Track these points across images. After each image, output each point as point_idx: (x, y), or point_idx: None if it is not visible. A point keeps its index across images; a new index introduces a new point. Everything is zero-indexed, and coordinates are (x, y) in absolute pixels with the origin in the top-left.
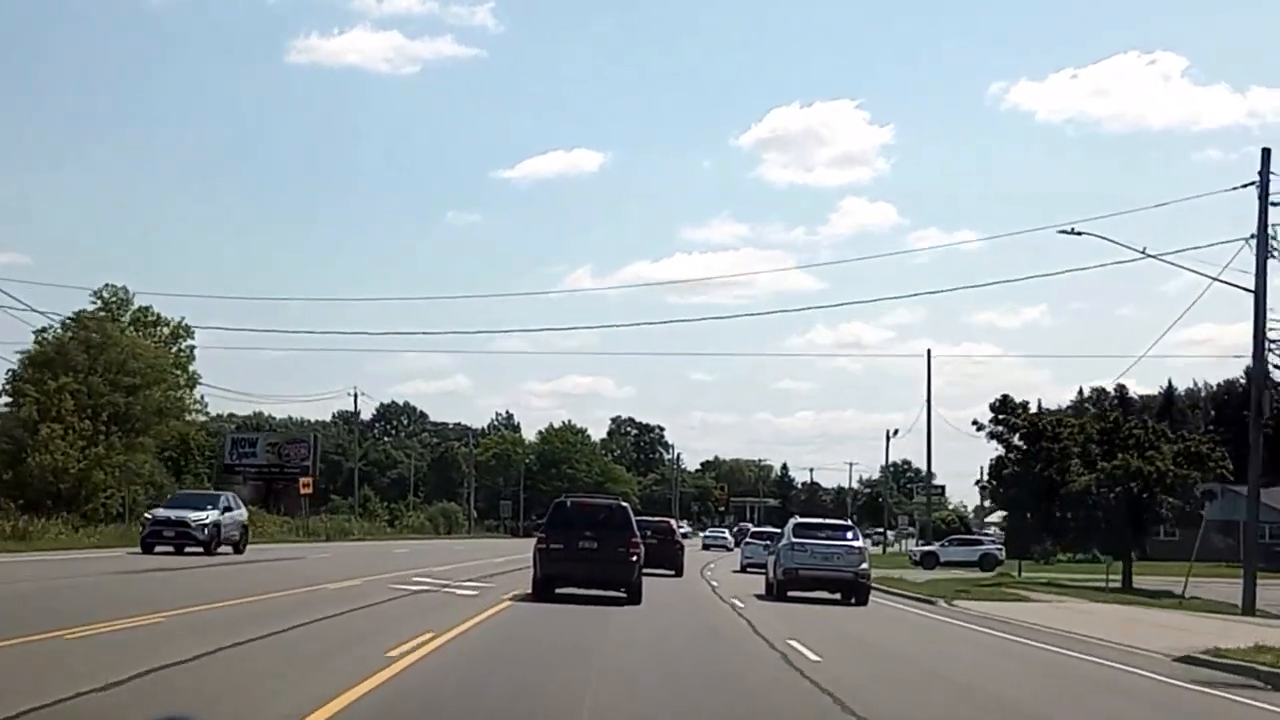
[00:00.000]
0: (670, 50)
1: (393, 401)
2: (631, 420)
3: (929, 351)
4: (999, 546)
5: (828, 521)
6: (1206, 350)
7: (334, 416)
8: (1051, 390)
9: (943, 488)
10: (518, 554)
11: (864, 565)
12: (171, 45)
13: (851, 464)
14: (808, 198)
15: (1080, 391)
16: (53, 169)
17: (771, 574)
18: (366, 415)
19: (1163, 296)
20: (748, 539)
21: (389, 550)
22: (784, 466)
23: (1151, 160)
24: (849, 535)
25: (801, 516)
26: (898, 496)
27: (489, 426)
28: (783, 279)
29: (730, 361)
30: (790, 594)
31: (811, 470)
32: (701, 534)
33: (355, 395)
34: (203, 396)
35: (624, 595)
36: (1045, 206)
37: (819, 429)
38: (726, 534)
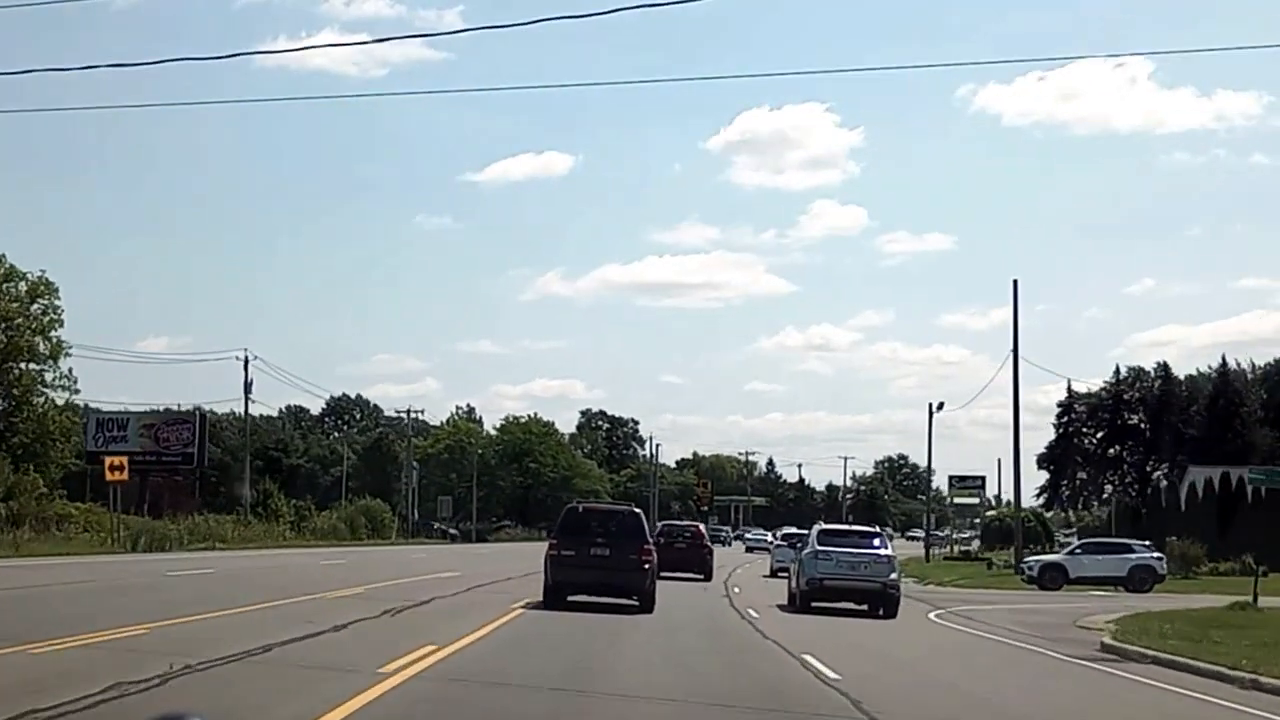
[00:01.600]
0: (640, 53)
1: (343, 394)
2: (603, 414)
3: (1015, 282)
4: (1158, 557)
5: (854, 528)
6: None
7: (282, 412)
8: (1023, 391)
9: (982, 479)
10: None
11: (893, 575)
12: (137, 49)
13: (846, 458)
14: (777, 200)
15: (1116, 370)
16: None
17: (794, 583)
18: (315, 409)
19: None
20: (778, 543)
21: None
22: (770, 462)
23: (1118, 163)
24: (876, 543)
25: (826, 522)
26: (894, 494)
27: (447, 421)
28: (754, 281)
29: (701, 363)
30: (814, 605)
31: (800, 465)
32: (745, 537)
33: (245, 360)
34: (71, 370)
35: (636, 603)
36: (1014, 209)
37: (789, 429)
38: (769, 536)
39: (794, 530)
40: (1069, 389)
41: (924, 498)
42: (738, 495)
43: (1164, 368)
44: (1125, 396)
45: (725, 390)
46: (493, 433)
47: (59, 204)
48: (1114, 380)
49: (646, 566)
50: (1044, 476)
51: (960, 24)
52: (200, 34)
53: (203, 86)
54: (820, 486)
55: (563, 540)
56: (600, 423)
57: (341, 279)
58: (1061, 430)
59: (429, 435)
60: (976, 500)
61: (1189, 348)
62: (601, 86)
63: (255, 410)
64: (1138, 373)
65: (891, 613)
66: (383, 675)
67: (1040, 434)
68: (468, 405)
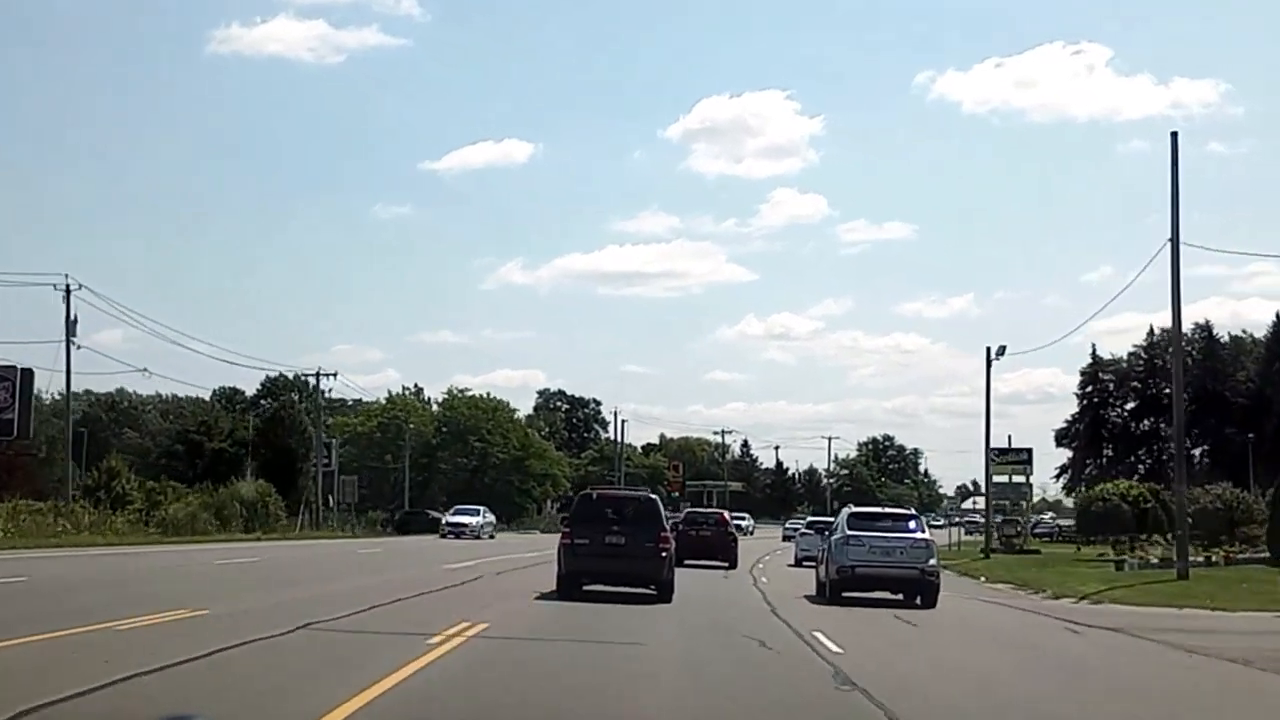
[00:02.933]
0: (599, 40)
1: (279, 374)
2: (561, 394)
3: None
4: None
5: (887, 510)
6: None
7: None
8: (980, 380)
9: (1029, 452)
10: None
11: (932, 561)
12: (90, 36)
13: (830, 438)
14: (738, 189)
15: (1150, 331)
16: None
17: (823, 572)
18: (250, 390)
19: (1082, 285)
20: (802, 530)
21: None
22: (744, 445)
23: (1076, 151)
24: (912, 526)
25: (857, 506)
26: (879, 478)
27: (392, 396)
28: (715, 270)
29: (663, 353)
30: (845, 595)
31: (777, 448)
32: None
33: (66, 290)
34: None
35: (654, 592)
36: (973, 197)
37: (752, 418)
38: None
39: (824, 519)
40: (1094, 355)
41: (911, 481)
42: (711, 480)
43: (1205, 329)
44: (1158, 362)
45: (687, 380)
46: (435, 409)
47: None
48: (1146, 343)
49: (664, 554)
50: (1064, 455)
51: (919, 11)
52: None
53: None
54: (799, 470)
55: (576, 528)
56: (559, 403)
57: (300, 269)
58: (1086, 402)
59: (360, 411)
60: (1022, 479)
61: (1145, 335)
62: (561, 73)
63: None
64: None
65: (930, 602)
66: None
67: (1008, 422)
68: (415, 385)
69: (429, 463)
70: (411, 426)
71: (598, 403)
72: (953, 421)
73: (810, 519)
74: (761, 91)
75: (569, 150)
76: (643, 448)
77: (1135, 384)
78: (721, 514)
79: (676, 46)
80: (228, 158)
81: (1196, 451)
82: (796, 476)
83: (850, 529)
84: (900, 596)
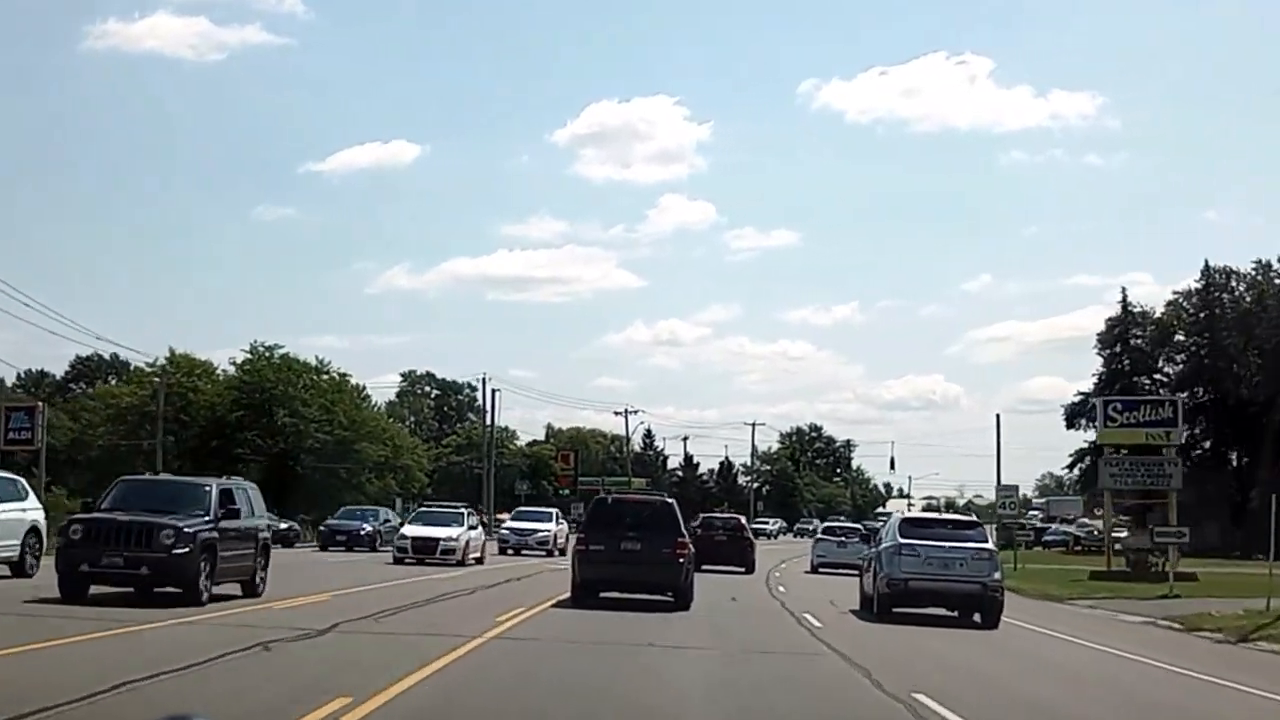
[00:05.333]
0: (487, 41)
1: (93, 354)
2: (430, 376)
3: None
4: None
5: (946, 517)
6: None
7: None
8: (863, 386)
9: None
10: None
11: (996, 574)
12: None
13: (754, 424)
14: (626, 194)
15: (1206, 268)
16: None
17: (870, 585)
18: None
19: (963, 293)
20: (819, 536)
21: None
22: (647, 435)
23: (958, 160)
24: (974, 534)
25: (910, 511)
26: (808, 475)
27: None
28: (604, 276)
29: (550, 358)
30: (896, 610)
31: (685, 439)
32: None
33: None
34: None
35: (671, 600)
36: (857, 206)
37: (637, 423)
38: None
39: (841, 524)
40: (1124, 305)
41: (843, 478)
42: (611, 476)
43: (1264, 266)
44: (1220, 308)
45: (574, 385)
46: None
47: None
48: (1201, 283)
49: (682, 560)
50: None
51: (804, 18)
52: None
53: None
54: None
55: (591, 534)
56: (427, 387)
57: (179, 271)
58: (1114, 366)
59: (131, 378)
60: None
61: (1025, 344)
62: (449, 74)
63: None
64: (1227, 276)
65: (992, 621)
66: None
67: (891, 428)
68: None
69: (221, 445)
70: (200, 395)
71: (472, 388)
72: (839, 428)
73: (827, 524)
74: (650, 97)
75: (457, 153)
76: (529, 445)
77: (1182, 339)
78: (739, 520)
79: (565, 50)
80: (102, 156)
81: None
82: (703, 477)
83: (903, 537)
84: (955, 614)
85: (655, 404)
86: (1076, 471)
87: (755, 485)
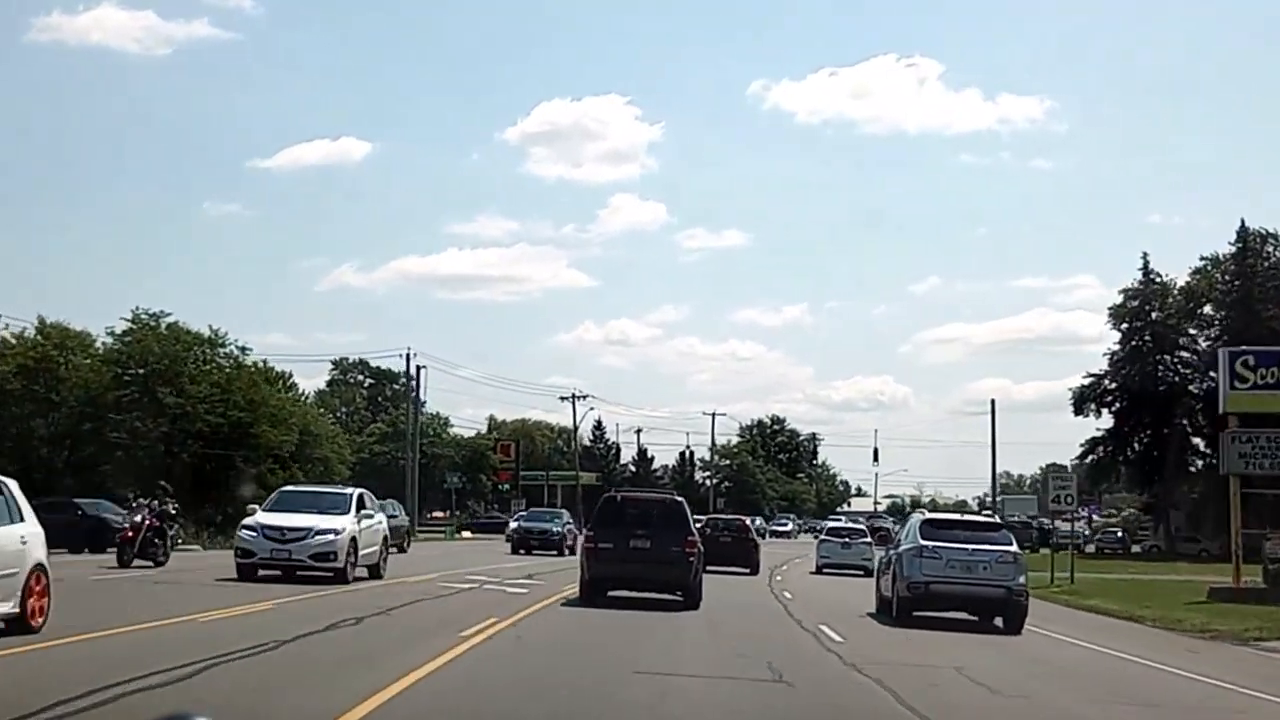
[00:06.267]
0: (438, 38)
1: None
2: (363, 364)
3: None
4: None
5: (968, 518)
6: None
7: None
8: (812, 386)
9: None
10: None
11: (1021, 579)
12: None
13: (714, 414)
14: (577, 194)
15: (1242, 228)
16: None
17: (889, 588)
18: None
19: (911, 295)
20: (824, 536)
21: None
22: (598, 428)
23: (907, 163)
24: (998, 537)
25: (932, 512)
26: (770, 471)
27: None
28: (554, 275)
29: (500, 357)
30: (916, 614)
31: (639, 432)
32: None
33: None
34: None
35: (680, 599)
36: (806, 207)
37: (588, 423)
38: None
39: (845, 525)
40: (1145, 272)
41: (807, 474)
42: (556, 470)
43: None
44: (1261, 276)
45: (525, 384)
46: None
47: None
48: (1236, 245)
49: (691, 559)
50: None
51: (755, 18)
52: None
53: None
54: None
55: (600, 532)
56: (360, 375)
57: (124, 268)
58: (1133, 343)
59: None
60: None
61: (973, 345)
62: (400, 71)
63: None
64: (1263, 239)
65: (1015, 627)
66: None
67: (839, 428)
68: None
69: (96, 428)
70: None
71: (411, 376)
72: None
73: (830, 525)
74: (602, 96)
75: (406, 150)
76: (474, 435)
77: (1210, 311)
78: (743, 521)
79: (516, 48)
80: (43, 151)
81: None
82: (666, 469)
83: (925, 538)
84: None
85: (604, 404)
86: (1088, 463)
87: (715, 481)
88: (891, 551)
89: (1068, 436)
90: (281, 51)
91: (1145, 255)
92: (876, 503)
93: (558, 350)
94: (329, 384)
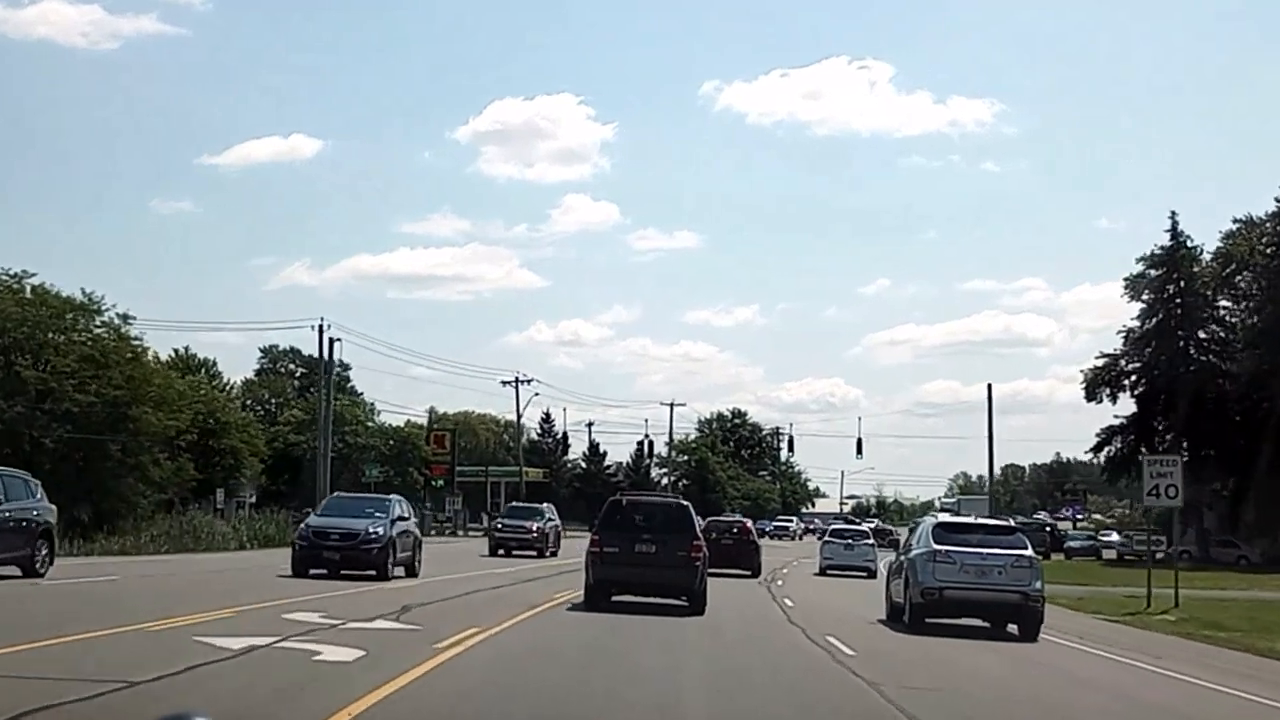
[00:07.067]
0: (388, 36)
1: None
2: (295, 352)
3: None
4: None
5: (982, 521)
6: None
7: None
8: (763, 388)
9: None
10: None
11: (1037, 584)
12: None
13: (672, 404)
14: (529, 194)
15: None
16: None
17: (901, 593)
18: None
19: (861, 297)
20: (827, 537)
21: None
22: (545, 419)
23: (858, 165)
24: (1013, 540)
25: (942, 514)
26: (731, 467)
27: None
28: (507, 276)
29: (452, 357)
30: (930, 620)
31: (590, 425)
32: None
33: None
34: None
35: (685, 604)
36: (758, 208)
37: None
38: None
39: (850, 526)
40: (1174, 234)
41: (770, 472)
42: (499, 465)
43: None
44: None
45: (476, 384)
46: None
47: None
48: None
49: (697, 564)
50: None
51: (706, 19)
52: None
53: None
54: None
55: (605, 536)
56: (291, 364)
57: (72, 266)
58: (1159, 316)
59: None
60: None
61: (922, 347)
62: (350, 69)
63: None
64: None
65: (1031, 634)
66: None
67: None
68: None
69: None
70: None
71: (347, 366)
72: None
73: (834, 526)
74: (554, 95)
75: (358, 148)
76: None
77: (1247, 280)
78: (744, 523)
79: (468, 46)
80: None
81: None
82: (620, 465)
83: (938, 542)
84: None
85: (555, 404)
86: (1103, 456)
87: (674, 479)
88: (902, 556)
89: (1024, 436)
90: (231, 48)
91: (1174, 215)
92: (842, 502)
93: (509, 350)
94: (257, 373)
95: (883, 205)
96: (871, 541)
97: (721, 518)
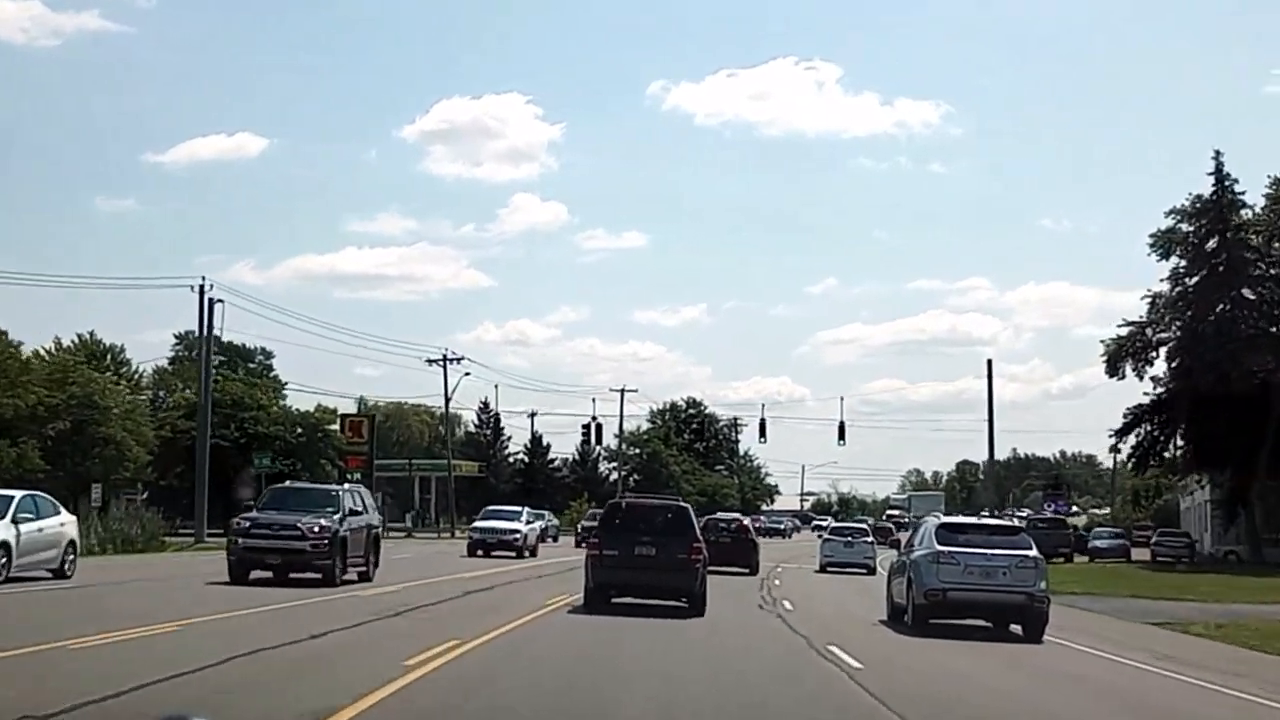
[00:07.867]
0: (335, 33)
1: None
2: (214, 339)
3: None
4: None
5: (986, 522)
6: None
7: None
8: (711, 387)
9: None
10: None
11: (1042, 584)
12: None
13: (624, 390)
14: (477, 193)
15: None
16: None
17: (904, 595)
18: None
19: (809, 296)
20: (826, 536)
21: None
22: (484, 409)
23: (805, 165)
24: (1017, 540)
25: (946, 515)
26: (686, 461)
27: None
28: (454, 275)
29: (398, 357)
30: (933, 621)
31: (533, 416)
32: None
33: None
34: None
35: (685, 605)
36: (705, 209)
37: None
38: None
39: (850, 524)
40: (1219, 179)
41: (727, 467)
42: (427, 459)
43: None
44: None
45: (423, 384)
46: None
47: None
48: None
49: (697, 565)
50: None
51: (654, 19)
52: None
53: None
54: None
55: (605, 538)
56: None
57: (13, 263)
58: (1201, 270)
59: None
60: None
61: (869, 346)
62: (296, 66)
63: None
64: None
65: (1035, 635)
66: None
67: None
68: None
69: None
70: None
71: (269, 354)
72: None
73: (834, 524)
74: (502, 94)
75: (304, 147)
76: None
77: None
78: (742, 521)
79: (415, 44)
80: None
81: None
82: (566, 461)
83: (941, 543)
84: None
85: (502, 405)
86: (1128, 444)
87: (624, 473)
88: (904, 556)
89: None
90: (175, 44)
91: (1218, 154)
92: (802, 499)
93: (457, 349)
94: (171, 361)
95: (830, 205)
96: (871, 539)
97: (720, 516)
